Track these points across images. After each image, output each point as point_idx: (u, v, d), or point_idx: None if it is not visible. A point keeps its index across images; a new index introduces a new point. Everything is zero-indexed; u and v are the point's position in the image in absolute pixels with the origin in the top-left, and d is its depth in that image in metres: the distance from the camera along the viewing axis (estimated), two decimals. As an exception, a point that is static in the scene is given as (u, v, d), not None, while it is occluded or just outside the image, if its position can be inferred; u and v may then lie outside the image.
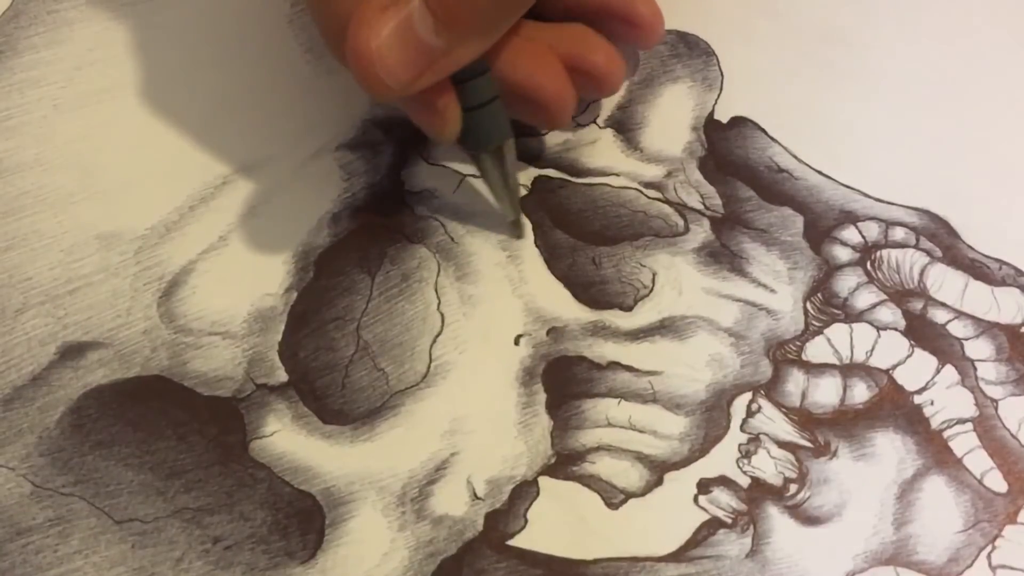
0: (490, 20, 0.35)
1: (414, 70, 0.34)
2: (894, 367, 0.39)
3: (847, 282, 0.40)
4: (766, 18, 0.45)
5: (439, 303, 0.39)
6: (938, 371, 0.39)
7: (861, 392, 0.39)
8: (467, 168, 0.41)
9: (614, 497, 0.37)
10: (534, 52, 0.38)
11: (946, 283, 0.40)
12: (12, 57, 0.42)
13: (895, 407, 0.39)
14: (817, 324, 0.40)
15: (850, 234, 0.41)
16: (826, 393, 0.39)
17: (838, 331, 0.39)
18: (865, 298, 0.40)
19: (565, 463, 0.37)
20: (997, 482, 0.38)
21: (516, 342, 0.39)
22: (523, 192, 0.41)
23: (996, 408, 0.39)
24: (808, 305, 0.40)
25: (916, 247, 0.41)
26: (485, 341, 0.39)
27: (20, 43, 0.43)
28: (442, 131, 0.37)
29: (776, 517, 0.37)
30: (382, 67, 0.33)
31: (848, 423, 0.38)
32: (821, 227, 0.41)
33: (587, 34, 0.39)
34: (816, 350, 0.39)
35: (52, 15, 0.43)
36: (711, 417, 0.38)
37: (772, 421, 0.38)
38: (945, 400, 0.39)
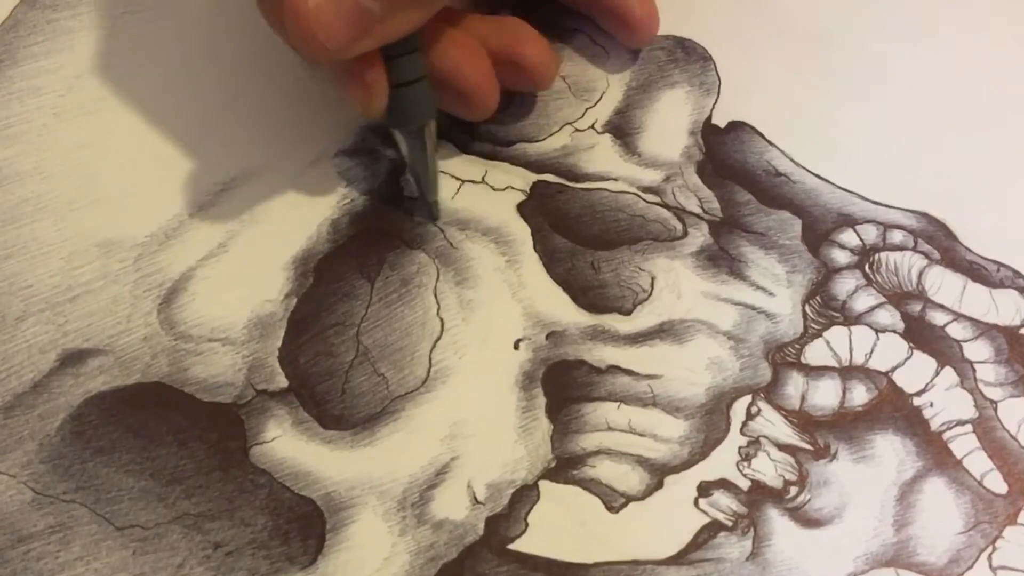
0: None
1: (350, 32, 0.34)
2: (893, 369, 0.39)
3: (846, 285, 0.40)
4: (763, 23, 0.45)
5: (438, 308, 0.39)
6: (937, 373, 0.39)
7: (860, 394, 0.39)
8: (466, 174, 0.41)
9: (614, 501, 0.37)
10: (462, 42, 0.39)
11: (944, 285, 0.40)
12: (12, 66, 0.42)
13: (895, 409, 0.39)
14: (816, 327, 0.40)
15: (848, 237, 0.41)
16: (826, 395, 0.39)
17: (837, 334, 0.40)
18: (864, 301, 0.40)
19: (565, 467, 0.37)
20: (997, 483, 0.38)
21: (516, 346, 0.39)
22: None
23: (995, 409, 0.39)
24: (807, 308, 0.40)
25: (914, 250, 0.41)
26: (485, 345, 0.39)
27: (19, 52, 0.43)
28: (369, 105, 0.37)
29: (776, 519, 0.37)
30: (319, 26, 0.33)
31: (848, 425, 0.38)
32: (819, 230, 0.41)
33: (521, 28, 0.40)
34: (815, 353, 0.39)
35: (51, 24, 0.43)
36: (711, 420, 0.38)
37: (772, 424, 0.38)
38: (944, 402, 0.39)
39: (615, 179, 0.42)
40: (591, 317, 0.39)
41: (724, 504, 0.37)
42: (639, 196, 0.41)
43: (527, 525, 0.36)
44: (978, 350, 0.40)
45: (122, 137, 0.41)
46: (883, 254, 0.41)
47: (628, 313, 0.40)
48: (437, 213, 0.41)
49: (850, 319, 0.40)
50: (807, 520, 0.37)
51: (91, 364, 0.38)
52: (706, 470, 0.37)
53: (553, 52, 0.40)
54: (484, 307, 0.39)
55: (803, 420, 0.38)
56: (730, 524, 0.37)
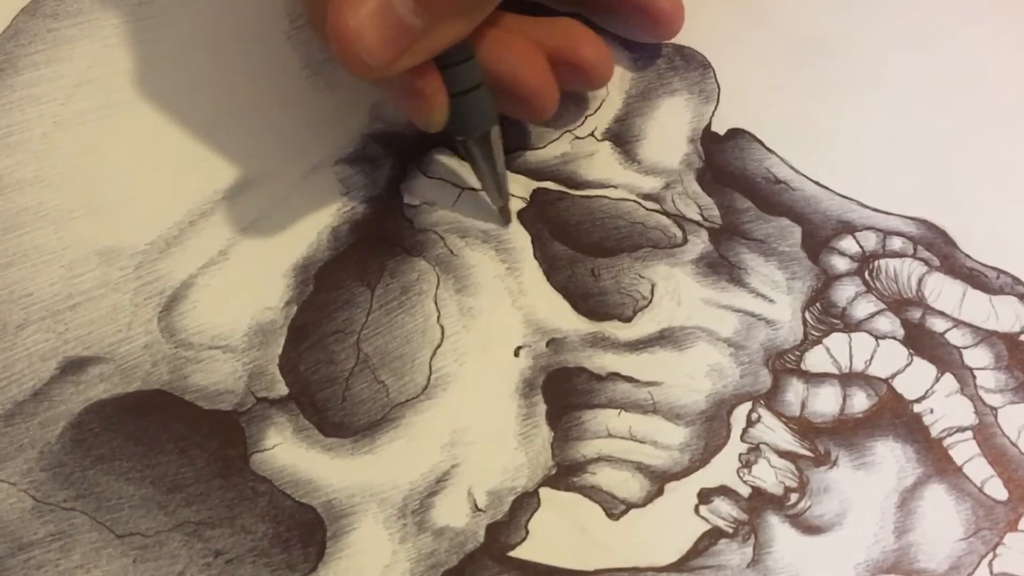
0: (469, 2, 0.35)
1: (393, 50, 0.34)
2: (893, 376, 0.39)
3: (845, 292, 0.40)
4: (762, 30, 0.45)
5: (439, 315, 0.39)
6: (937, 379, 0.39)
7: (861, 401, 0.39)
8: (466, 181, 0.41)
9: (615, 507, 0.37)
10: (518, 46, 0.38)
11: (944, 292, 0.41)
12: (12, 75, 0.42)
13: (895, 416, 0.39)
14: (816, 334, 0.40)
15: (848, 244, 0.41)
16: (826, 402, 0.39)
17: (837, 340, 0.40)
18: (863, 307, 0.40)
19: (566, 474, 0.37)
20: (997, 490, 0.38)
21: (516, 354, 0.39)
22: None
23: (996, 416, 0.39)
24: (807, 315, 0.40)
25: (914, 256, 0.41)
26: (485, 353, 0.39)
27: (20, 61, 0.43)
28: (430, 117, 0.37)
29: (777, 526, 0.37)
30: (361, 46, 0.33)
31: (848, 432, 0.38)
32: (819, 237, 0.41)
33: (576, 28, 0.40)
34: (815, 359, 0.39)
35: (52, 33, 0.43)
36: (711, 427, 0.38)
37: (772, 431, 0.38)
38: (945, 408, 0.39)
39: (615, 186, 0.42)
40: (591, 324, 0.39)
41: (725, 511, 0.37)
42: (639, 203, 0.41)
43: (528, 532, 0.37)
44: (978, 357, 0.40)
45: (122, 146, 0.41)
46: (883, 261, 0.41)
47: (628, 320, 0.40)
48: (509, 219, 0.41)
49: (850, 326, 0.40)
50: (808, 527, 0.37)
51: (92, 372, 0.38)
52: (706, 477, 0.37)
53: (609, 51, 0.40)
54: (484, 314, 0.39)
55: (803, 427, 0.38)
56: (731, 531, 0.37)
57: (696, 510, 0.37)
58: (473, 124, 0.38)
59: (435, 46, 0.35)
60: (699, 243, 0.41)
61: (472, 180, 0.41)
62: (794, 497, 0.37)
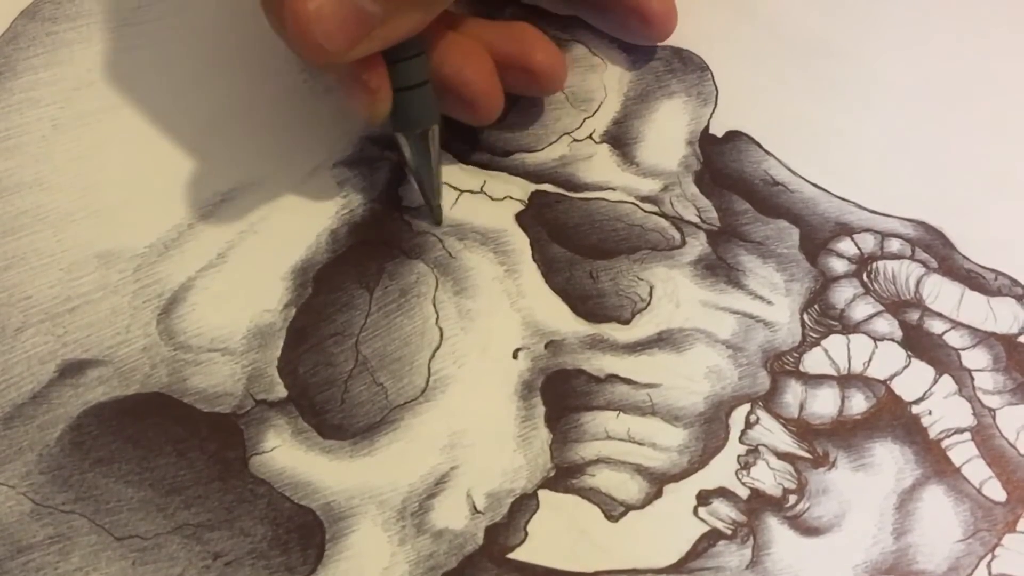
0: None
1: (350, 36, 0.34)
2: (892, 377, 0.39)
3: (844, 293, 0.40)
4: (760, 33, 0.45)
5: (437, 317, 0.39)
6: (936, 381, 0.39)
7: (859, 402, 0.39)
8: (465, 184, 0.41)
9: (614, 509, 0.37)
10: (466, 47, 0.39)
11: (942, 294, 0.41)
12: (11, 78, 0.42)
13: (893, 417, 0.39)
14: (814, 335, 0.40)
15: (846, 246, 0.41)
16: (824, 404, 0.39)
17: (835, 342, 0.40)
18: (862, 309, 0.40)
19: (564, 476, 0.37)
20: (996, 491, 0.38)
21: (515, 356, 0.39)
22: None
23: (994, 417, 0.39)
24: (805, 317, 0.40)
25: (912, 258, 0.41)
26: (484, 355, 0.39)
27: (19, 64, 0.43)
28: (372, 109, 0.37)
29: (776, 528, 0.37)
30: (319, 30, 0.33)
31: (847, 433, 0.38)
32: (817, 239, 0.41)
33: (529, 32, 0.40)
34: (814, 361, 0.39)
35: (50, 36, 0.43)
36: (710, 429, 0.38)
37: (771, 432, 0.38)
38: (943, 410, 0.39)
39: (613, 189, 0.42)
40: (590, 326, 0.40)
41: (723, 512, 0.37)
42: (637, 205, 0.41)
43: (527, 534, 0.37)
44: (976, 358, 0.40)
45: (121, 148, 0.41)
46: (881, 263, 0.41)
47: (627, 322, 0.40)
48: (440, 218, 0.41)
49: (848, 327, 0.40)
50: (806, 528, 0.37)
51: (90, 375, 0.38)
52: (705, 479, 0.37)
53: (562, 56, 0.40)
54: (483, 316, 0.39)
55: (802, 428, 0.38)
56: (729, 532, 0.37)
57: (695, 512, 0.37)
58: (414, 120, 0.38)
59: (391, 36, 0.35)
60: (697, 245, 0.41)
61: (469, 182, 0.41)
62: (793, 499, 0.37)
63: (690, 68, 0.44)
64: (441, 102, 0.39)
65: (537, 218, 0.41)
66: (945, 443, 0.38)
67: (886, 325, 0.40)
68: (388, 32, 0.35)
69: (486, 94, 0.39)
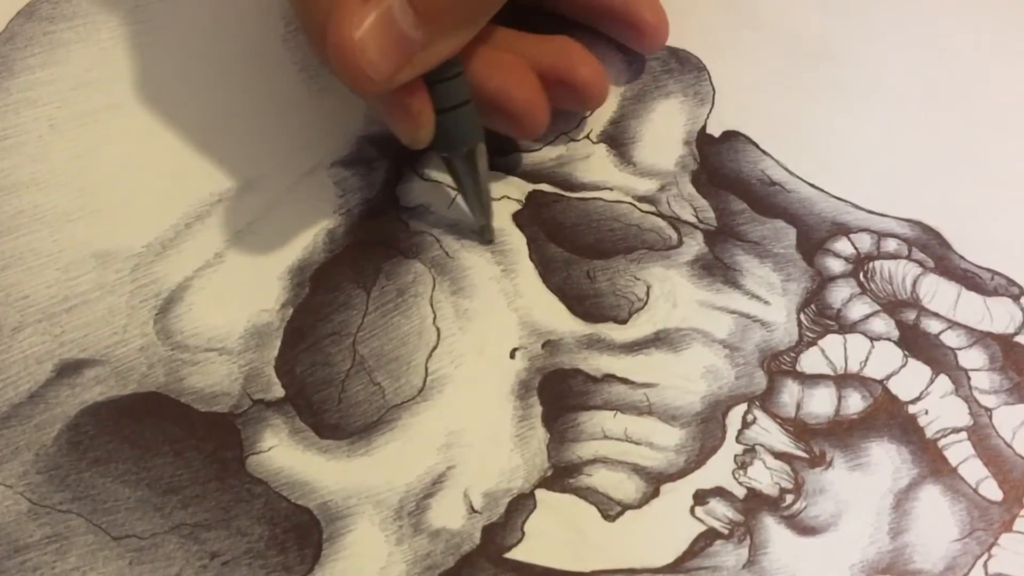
0: (468, 14, 0.35)
1: (394, 62, 0.34)
2: (888, 377, 0.39)
3: (840, 293, 0.40)
4: (756, 33, 0.45)
5: (435, 317, 0.39)
6: (932, 381, 0.39)
7: (856, 402, 0.39)
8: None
9: (611, 509, 0.37)
10: (508, 63, 0.39)
11: (939, 293, 0.41)
12: (8, 78, 0.42)
13: (890, 417, 0.39)
14: (811, 335, 0.40)
15: (843, 246, 0.41)
16: (821, 404, 0.39)
17: (832, 342, 0.40)
18: (858, 309, 0.40)
19: (562, 475, 0.37)
20: (992, 491, 0.38)
21: (512, 355, 0.39)
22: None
23: (990, 417, 0.39)
24: (802, 316, 0.40)
25: (908, 258, 0.41)
26: (481, 355, 0.39)
27: (16, 64, 0.43)
28: (416, 133, 0.37)
29: (773, 527, 0.37)
30: (363, 59, 0.33)
31: (843, 433, 0.38)
32: (814, 239, 0.41)
33: (572, 47, 0.40)
34: (810, 361, 0.39)
35: (48, 36, 0.43)
36: (707, 428, 0.38)
37: (767, 432, 0.38)
38: (939, 409, 0.39)
39: (610, 188, 0.42)
40: (587, 326, 0.40)
41: (720, 512, 0.37)
42: (634, 205, 0.41)
43: (524, 534, 0.37)
44: (973, 358, 0.40)
45: (118, 148, 0.41)
46: (877, 262, 0.41)
47: (624, 322, 0.40)
48: (491, 237, 0.40)
49: (845, 327, 0.40)
50: (803, 528, 0.37)
51: (87, 374, 0.38)
52: (702, 478, 0.38)
53: (604, 71, 0.40)
54: (480, 316, 0.39)
55: (799, 428, 0.38)
56: (726, 532, 0.37)
57: (692, 511, 0.37)
58: (459, 141, 0.38)
59: (434, 59, 0.35)
60: (694, 245, 0.41)
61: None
62: (790, 498, 0.37)
63: (687, 68, 0.44)
64: (486, 119, 0.39)
65: (534, 218, 0.41)
66: (941, 443, 0.38)
67: (883, 325, 0.40)
68: (431, 56, 0.35)
69: (533, 108, 0.39)
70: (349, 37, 0.33)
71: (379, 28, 0.33)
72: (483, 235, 0.40)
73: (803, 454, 0.38)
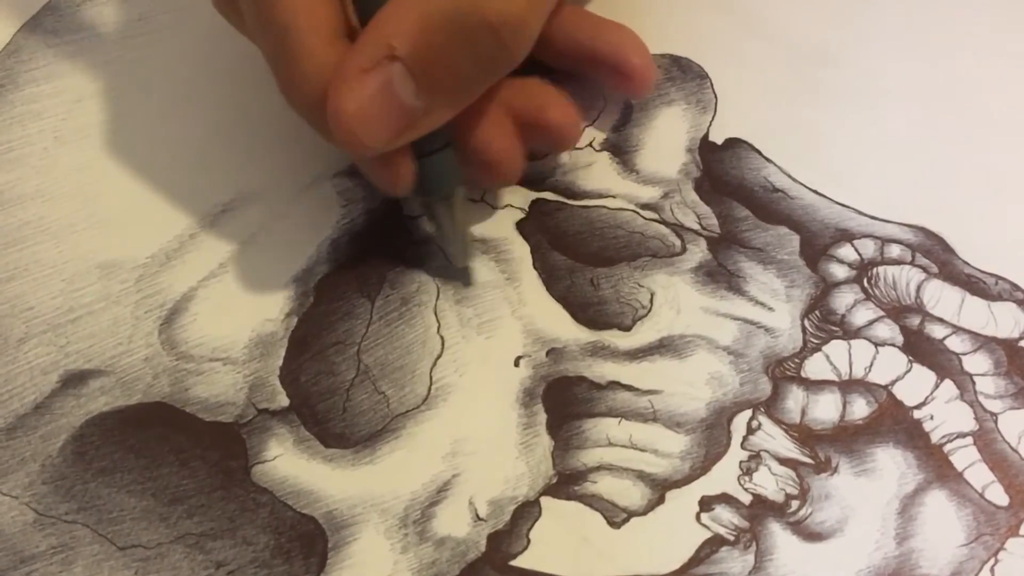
0: (468, 83, 0.35)
1: (394, 130, 0.34)
2: (893, 382, 0.39)
3: (844, 299, 0.40)
4: (758, 40, 0.45)
5: (439, 326, 0.39)
6: (937, 386, 0.39)
7: (861, 408, 0.39)
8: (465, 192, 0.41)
9: (616, 516, 0.37)
10: (488, 111, 0.38)
11: (943, 299, 0.41)
12: (13, 91, 0.43)
13: (895, 422, 0.39)
14: (815, 341, 0.40)
15: (846, 252, 0.41)
16: (826, 409, 0.39)
17: (836, 348, 0.40)
18: (863, 315, 0.40)
19: (567, 483, 0.37)
20: (998, 495, 0.38)
21: (516, 363, 0.39)
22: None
23: (996, 422, 0.39)
24: (806, 322, 0.40)
25: (912, 263, 0.41)
26: (485, 363, 0.39)
27: (21, 77, 0.43)
28: (396, 184, 0.36)
29: (778, 533, 0.37)
30: (363, 128, 0.33)
31: (848, 439, 0.38)
32: (817, 245, 0.41)
33: (544, 89, 0.39)
34: (815, 367, 0.39)
35: (52, 49, 0.44)
36: (712, 435, 0.38)
37: (772, 438, 0.38)
38: (945, 414, 0.39)
39: (613, 196, 0.42)
40: (591, 333, 0.40)
41: (726, 518, 0.37)
42: (637, 213, 0.42)
43: (529, 541, 0.37)
44: (977, 363, 0.40)
45: (123, 160, 0.42)
46: (881, 268, 0.41)
47: (628, 329, 0.40)
48: (471, 280, 0.40)
49: (849, 333, 0.40)
50: (809, 534, 0.37)
51: (93, 385, 0.38)
52: (707, 485, 0.37)
53: (576, 112, 0.40)
54: (484, 325, 0.39)
55: (804, 434, 0.38)
56: (732, 538, 0.37)
57: (697, 518, 0.37)
58: (439, 185, 0.38)
59: (433, 124, 0.35)
60: (698, 252, 0.41)
61: (470, 191, 0.41)
62: (795, 504, 0.37)
63: (689, 76, 0.44)
64: (462, 166, 0.38)
65: (538, 226, 0.41)
66: (947, 448, 0.38)
67: (887, 330, 0.40)
68: (430, 121, 0.35)
69: (509, 158, 0.39)
70: (347, 107, 0.33)
71: (379, 97, 0.33)
72: (464, 277, 0.40)
73: (808, 460, 0.38)
